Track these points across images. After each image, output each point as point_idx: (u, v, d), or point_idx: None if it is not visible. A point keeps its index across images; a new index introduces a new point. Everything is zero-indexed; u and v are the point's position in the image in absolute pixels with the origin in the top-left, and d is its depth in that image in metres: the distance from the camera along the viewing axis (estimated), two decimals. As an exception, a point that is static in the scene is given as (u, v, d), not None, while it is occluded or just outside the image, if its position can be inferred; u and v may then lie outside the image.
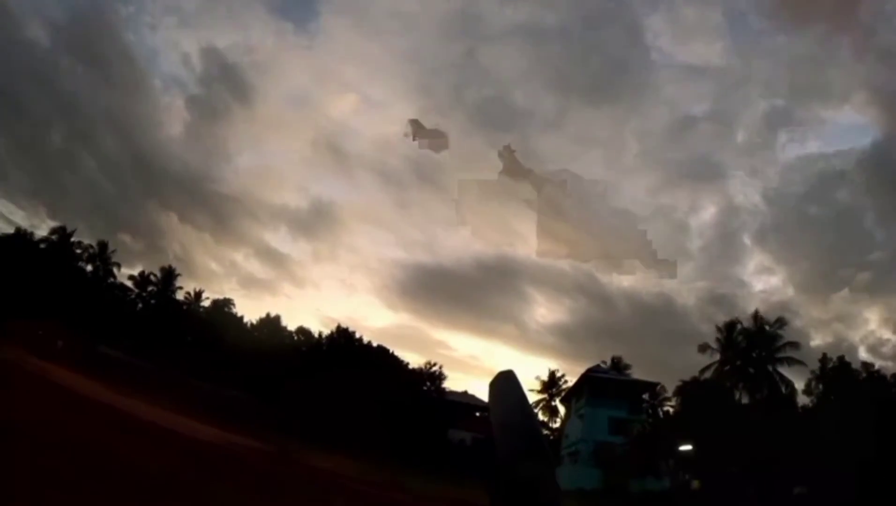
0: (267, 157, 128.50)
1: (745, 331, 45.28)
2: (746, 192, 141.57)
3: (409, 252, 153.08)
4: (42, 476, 8.45)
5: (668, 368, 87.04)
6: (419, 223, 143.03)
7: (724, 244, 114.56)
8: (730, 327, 45.55)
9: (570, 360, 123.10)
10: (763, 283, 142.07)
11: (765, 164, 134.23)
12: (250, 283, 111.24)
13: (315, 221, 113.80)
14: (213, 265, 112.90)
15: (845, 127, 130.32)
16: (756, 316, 45.49)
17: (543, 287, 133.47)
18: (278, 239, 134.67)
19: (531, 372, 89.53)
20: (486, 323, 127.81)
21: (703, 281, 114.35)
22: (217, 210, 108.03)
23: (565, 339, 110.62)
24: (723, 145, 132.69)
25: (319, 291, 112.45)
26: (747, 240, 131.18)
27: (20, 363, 24.08)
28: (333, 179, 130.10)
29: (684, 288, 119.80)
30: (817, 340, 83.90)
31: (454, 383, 71.28)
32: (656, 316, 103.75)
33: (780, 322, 44.57)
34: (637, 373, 63.36)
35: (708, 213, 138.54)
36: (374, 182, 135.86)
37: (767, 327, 44.60)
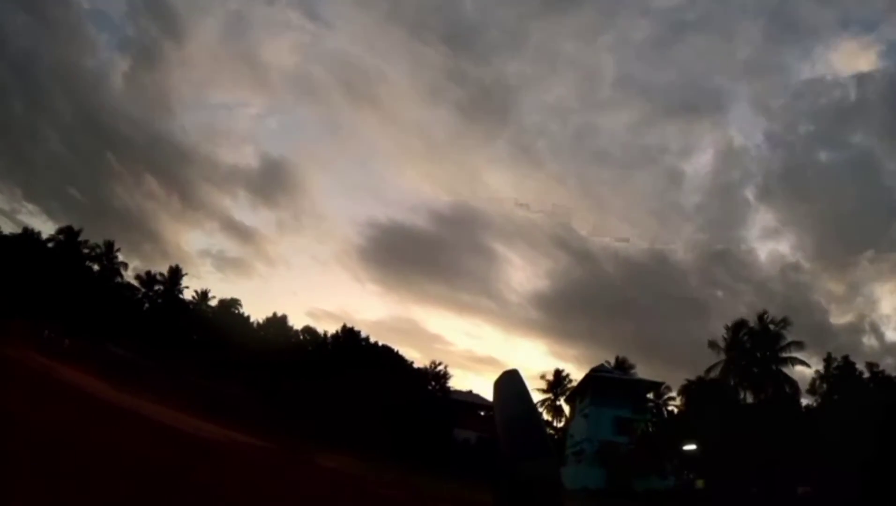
0: (212, 109, 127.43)
1: (749, 331, 45.35)
2: (746, 130, 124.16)
3: (365, 204, 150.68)
4: (46, 475, 8.59)
5: (665, 342, 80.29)
6: (371, 167, 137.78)
7: (723, 197, 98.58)
8: (736, 328, 45.62)
9: (558, 338, 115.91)
10: (769, 246, 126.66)
11: (769, 92, 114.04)
12: (224, 264, 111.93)
13: (269, 182, 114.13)
14: (184, 245, 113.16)
15: (863, 40, 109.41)
16: (761, 316, 45.60)
17: (516, 244, 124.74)
18: (239, 209, 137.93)
19: (520, 355, 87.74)
20: (462, 297, 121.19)
21: (701, 237, 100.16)
22: (174, 177, 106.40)
23: (549, 312, 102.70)
24: (717, 67, 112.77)
25: (291, 271, 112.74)
26: (750, 194, 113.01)
27: (26, 362, 24.32)
28: (278, 123, 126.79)
29: (679, 248, 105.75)
30: (837, 318, 76.22)
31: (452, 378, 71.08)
32: (648, 279, 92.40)
33: (785, 322, 44.65)
34: (637, 362, 62.96)
35: (704, 156, 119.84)
36: (317, 121, 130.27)
37: (772, 327, 44.68)
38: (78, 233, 64.90)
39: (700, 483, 40.71)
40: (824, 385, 43.53)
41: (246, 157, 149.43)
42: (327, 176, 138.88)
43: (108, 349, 46.55)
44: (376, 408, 41.94)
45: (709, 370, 45.06)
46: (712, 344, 45.93)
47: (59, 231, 64.86)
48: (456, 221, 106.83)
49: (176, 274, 68.33)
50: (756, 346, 44.57)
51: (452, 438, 52.32)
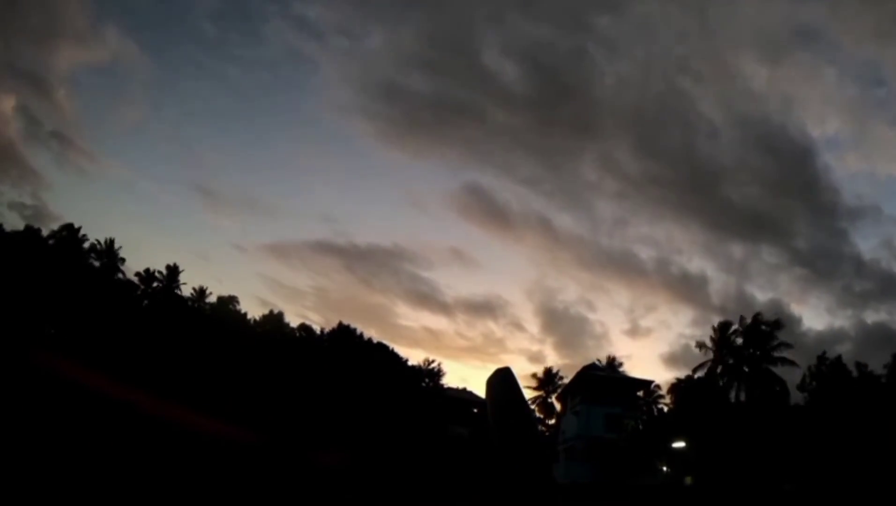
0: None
1: (741, 330, 46.05)
2: None
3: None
4: (51, 466, 9.10)
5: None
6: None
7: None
8: (722, 327, 46.30)
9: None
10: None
11: None
12: (60, 163, 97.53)
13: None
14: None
15: None
16: (754, 317, 46.30)
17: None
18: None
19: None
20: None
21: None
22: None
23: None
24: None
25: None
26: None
27: (30, 358, 24.80)
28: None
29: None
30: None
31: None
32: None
33: (777, 324, 45.39)
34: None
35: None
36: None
37: (763, 328, 45.36)
38: (78, 230, 65.88)
39: (688, 480, 41.38)
40: (813, 383, 44.13)
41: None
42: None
43: (108, 345, 47.07)
44: (371, 404, 42.53)
45: (696, 369, 45.82)
46: (700, 344, 46.74)
47: (62, 228, 65.74)
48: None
49: (174, 271, 69.33)
50: (746, 345, 45.25)
51: (447, 433, 52.96)
